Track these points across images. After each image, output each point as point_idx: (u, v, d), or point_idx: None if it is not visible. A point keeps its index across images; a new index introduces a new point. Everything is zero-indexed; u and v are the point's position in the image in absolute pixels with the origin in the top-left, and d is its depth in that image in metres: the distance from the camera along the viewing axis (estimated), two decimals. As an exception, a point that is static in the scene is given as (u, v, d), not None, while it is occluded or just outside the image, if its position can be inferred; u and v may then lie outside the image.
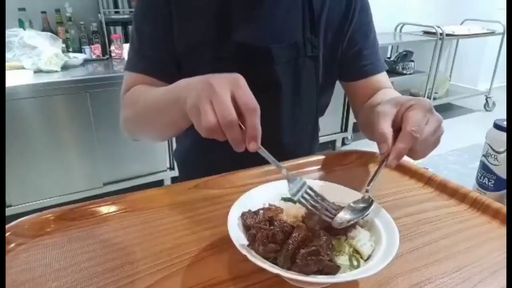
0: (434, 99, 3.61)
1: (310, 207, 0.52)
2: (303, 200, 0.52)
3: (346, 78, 0.93)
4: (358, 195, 0.58)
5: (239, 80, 0.51)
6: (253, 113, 0.50)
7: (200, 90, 0.52)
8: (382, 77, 0.90)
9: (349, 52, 0.88)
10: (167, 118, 0.67)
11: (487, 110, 4.02)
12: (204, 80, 0.52)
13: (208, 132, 0.51)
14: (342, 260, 0.48)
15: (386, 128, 0.55)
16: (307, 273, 0.43)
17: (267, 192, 0.58)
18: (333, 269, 0.44)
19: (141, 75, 0.81)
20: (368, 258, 0.48)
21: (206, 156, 0.90)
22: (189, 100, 0.54)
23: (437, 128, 0.57)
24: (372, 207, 0.53)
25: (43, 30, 2.30)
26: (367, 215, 0.53)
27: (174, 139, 1.06)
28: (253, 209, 0.54)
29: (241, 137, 0.50)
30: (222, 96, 0.49)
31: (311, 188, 0.54)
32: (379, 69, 0.89)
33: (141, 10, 0.83)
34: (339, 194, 0.59)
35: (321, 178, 0.62)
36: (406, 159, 0.82)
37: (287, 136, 0.89)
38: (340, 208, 0.54)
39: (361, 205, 0.54)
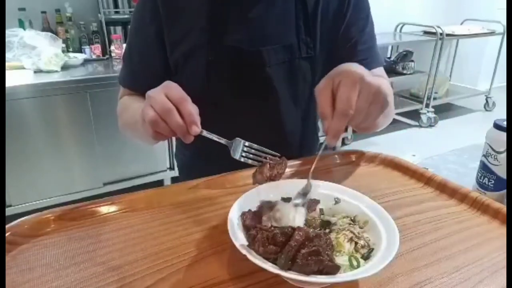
0: (434, 99, 3.61)
1: (251, 162, 0.62)
2: (243, 158, 0.62)
3: None
4: (358, 195, 0.58)
5: (170, 83, 0.61)
6: (184, 102, 0.58)
7: (144, 106, 0.61)
8: (378, 72, 0.87)
9: (344, 47, 0.85)
10: (142, 135, 0.76)
11: (487, 110, 4.02)
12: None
13: (152, 124, 0.58)
14: (342, 260, 0.48)
15: (326, 107, 0.54)
16: (307, 273, 0.43)
17: (267, 192, 0.58)
18: (333, 269, 0.44)
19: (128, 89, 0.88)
20: (368, 258, 0.49)
21: (206, 162, 0.90)
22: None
23: (372, 96, 0.54)
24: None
25: (43, 30, 2.29)
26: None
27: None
28: (253, 209, 0.54)
29: (182, 124, 0.58)
30: (156, 96, 0.58)
31: (249, 145, 0.63)
32: (375, 65, 0.87)
33: (134, 21, 0.85)
34: (339, 194, 0.59)
35: (321, 178, 0.62)
36: (405, 159, 0.82)
37: (288, 136, 0.89)
38: (280, 157, 0.62)
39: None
